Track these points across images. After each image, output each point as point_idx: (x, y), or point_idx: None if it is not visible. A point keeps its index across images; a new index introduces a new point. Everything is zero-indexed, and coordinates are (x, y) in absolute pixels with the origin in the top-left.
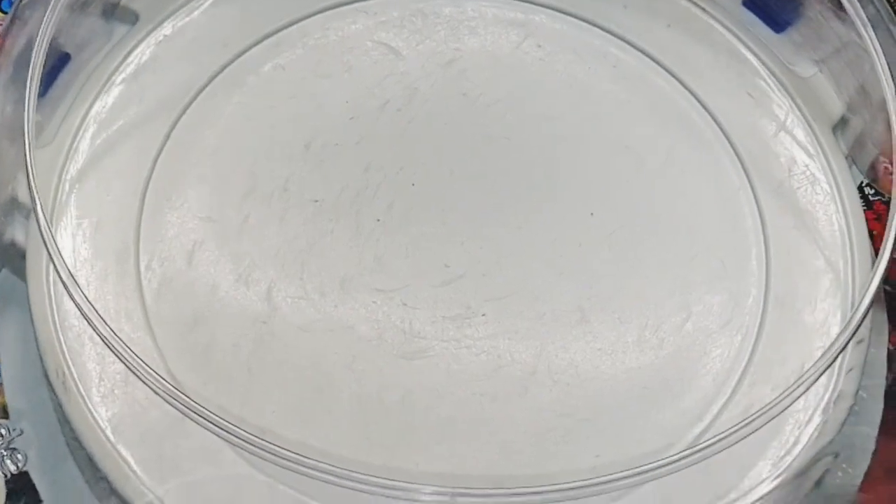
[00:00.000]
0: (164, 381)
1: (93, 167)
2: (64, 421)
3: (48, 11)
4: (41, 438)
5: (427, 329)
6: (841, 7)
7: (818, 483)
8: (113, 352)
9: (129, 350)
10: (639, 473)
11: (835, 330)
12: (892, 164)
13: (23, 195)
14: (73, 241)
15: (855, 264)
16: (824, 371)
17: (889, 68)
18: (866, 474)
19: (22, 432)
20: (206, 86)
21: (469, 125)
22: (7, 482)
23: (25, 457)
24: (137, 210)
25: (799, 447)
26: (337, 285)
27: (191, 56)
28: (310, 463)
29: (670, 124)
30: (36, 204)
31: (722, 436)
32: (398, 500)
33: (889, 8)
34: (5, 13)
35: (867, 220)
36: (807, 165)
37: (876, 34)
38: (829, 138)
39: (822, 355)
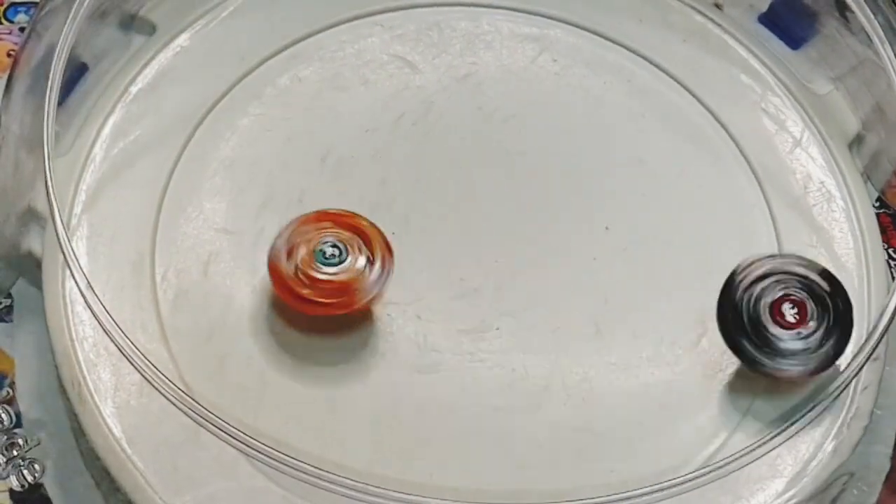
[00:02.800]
0: (180, 392)
1: (109, 178)
2: (79, 432)
3: (67, 22)
4: (57, 449)
5: (441, 342)
6: (858, 25)
7: (833, 502)
8: (129, 362)
9: (145, 361)
10: (655, 491)
11: (850, 348)
12: None
13: (40, 205)
14: (89, 251)
15: (871, 281)
16: (842, 391)
17: None
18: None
19: (39, 442)
20: (222, 97)
21: (484, 139)
22: (20, 494)
23: (42, 468)
24: (153, 221)
25: (814, 466)
26: None
27: (208, 67)
28: (328, 476)
29: (685, 139)
30: (54, 214)
31: (739, 454)
32: None
33: None
34: (11, 22)
35: None
36: (822, 182)
37: (893, 52)
38: (844, 155)
39: (839, 374)
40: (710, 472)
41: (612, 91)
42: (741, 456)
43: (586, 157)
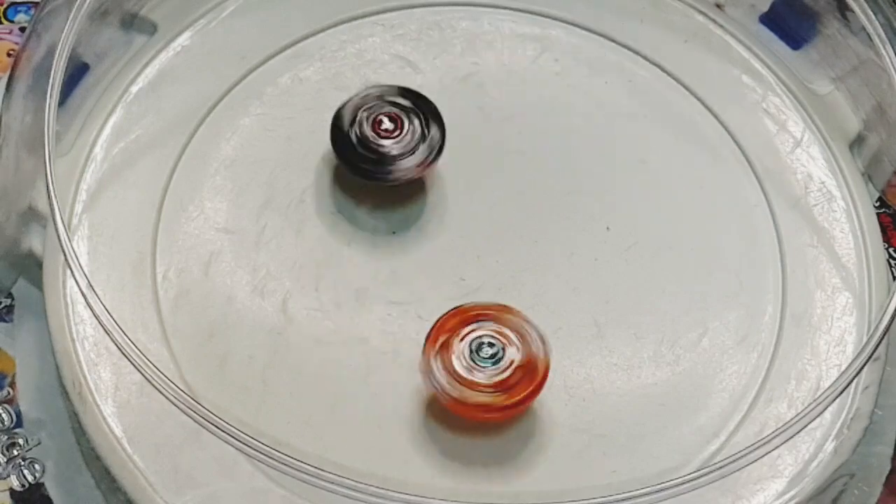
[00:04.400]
0: (180, 392)
1: (110, 177)
2: (80, 431)
3: (68, 21)
4: (58, 449)
5: None
6: (858, 25)
7: (834, 503)
8: (130, 362)
9: (145, 360)
10: (656, 491)
11: (851, 348)
12: None
13: (41, 205)
14: (89, 251)
15: (872, 281)
16: (842, 391)
17: None
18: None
19: (40, 442)
20: (223, 97)
21: (485, 139)
22: (21, 493)
23: (43, 467)
24: (154, 220)
25: (814, 466)
26: (352, 297)
27: (209, 67)
28: (328, 476)
29: (686, 140)
30: (54, 214)
31: (739, 455)
32: None
33: None
34: (11, 22)
35: None
36: (823, 182)
37: (894, 52)
38: (845, 155)
39: (840, 375)
40: (710, 472)
41: (613, 91)
42: (741, 456)
43: (587, 157)
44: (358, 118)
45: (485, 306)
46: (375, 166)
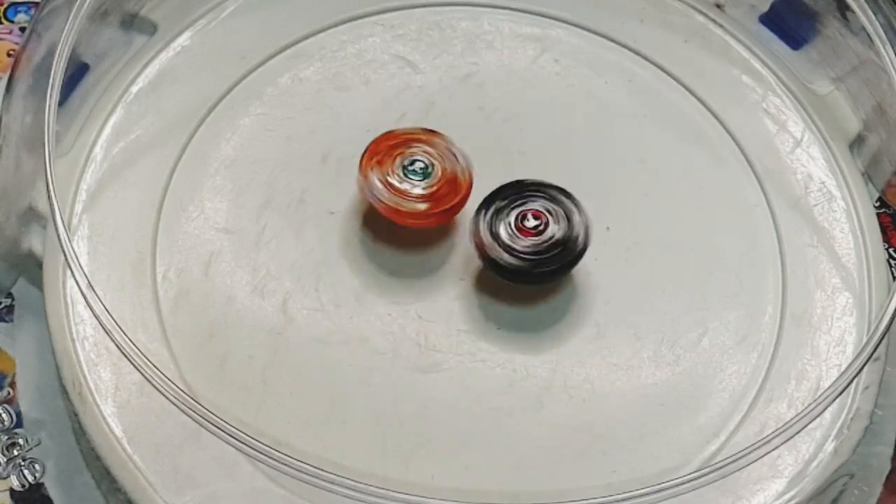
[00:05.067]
0: (180, 392)
1: (110, 177)
2: (80, 431)
3: (68, 22)
4: (58, 449)
5: (442, 342)
6: (859, 25)
7: (834, 503)
8: (130, 362)
9: (145, 360)
10: (656, 491)
11: (851, 348)
12: None
13: (41, 205)
14: (89, 251)
15: (872, 282)
16: (842, 391)
17: None
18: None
19: (40, 442)
20: (223, 97)
21: (485, 139)
22: (21, 493)
23: (43, 467)
24: (154, 220)
25: (814, 466)
26: (352, 297)
27: (209, 67)
28: (328, 476)
29: (686, 140)
30: (55, 214)
31: (739, 455)
32: None
33: None
34: (11, 22)
35: None
36: (823, 182)
37: (894, 52)
38: (845, 156)
39: (840, 375)
40: (710, 472)
41: (614, 91)
42: (741, 456)
43: (587, 157)
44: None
45: (415, 131)
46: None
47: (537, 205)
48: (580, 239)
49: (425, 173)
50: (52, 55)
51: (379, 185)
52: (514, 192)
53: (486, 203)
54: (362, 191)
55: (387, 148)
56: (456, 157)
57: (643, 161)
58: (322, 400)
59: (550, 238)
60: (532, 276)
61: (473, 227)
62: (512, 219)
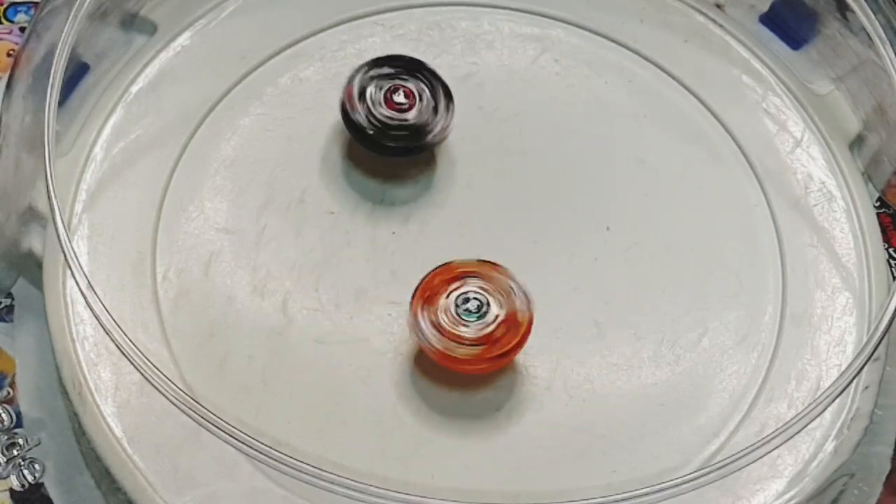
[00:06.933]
0: (180, 392)
1: (110, 177)
2: (80, 431)
3: (68, 22)
4: (57, 449)
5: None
6: (859, 25)
7: (833, 503)
8: (130, 362)
9: (145, 360)
10: (656, 491)
11: (851, 348)
12: None
13: (41, 205)
14: (89, 251)
15: (872, 281)
16: (842, 391)
17: None
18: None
19: (40, 442)
20: (223, 97)
21: (485, 139)
22: (21, 493)
23: (43, 467)
24: (154, 221)
25: (814, 466)
26: (352, 297)
27: (209, 67)
28: (328, 476)
29: (686, 140)
30: (54, 214)
31: (739, 455)
32: None
33: None
34: (11, 22)
35: None
36: (823, 182)
37: (894, 52)
38: (845, 155)
39: (840, 375)
40: (710, 472)
41: (614, 91)
42: (741, 456)
43: (587, 157)
44: (368, 102)
45: (471, 263)
46: (413, 141)
47: (412, 85)
48: (433, 134)
49: (480, 313)
50: (52, 55)
51: (429, 327)
52: (402, 66)
53: (378, 63)
54: (413, 332)
55: (440, 283)
56: (514, 292)
57: (643, 161)
58: (322, 400)
59: (405, 120)
60: (372, 142)
61: (349, 78)
62: (385, 86)
